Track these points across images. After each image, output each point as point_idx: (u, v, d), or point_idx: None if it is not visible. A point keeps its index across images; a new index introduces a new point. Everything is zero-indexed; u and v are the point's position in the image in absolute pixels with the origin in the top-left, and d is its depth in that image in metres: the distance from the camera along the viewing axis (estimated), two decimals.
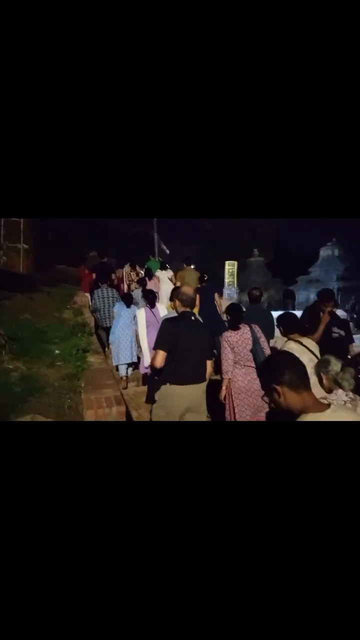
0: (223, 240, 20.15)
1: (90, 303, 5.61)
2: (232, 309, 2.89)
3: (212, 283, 5.39)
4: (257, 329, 2.80)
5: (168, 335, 2.14)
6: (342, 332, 4.47)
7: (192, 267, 6.03)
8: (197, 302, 3.96)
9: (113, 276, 6.17)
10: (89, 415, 2.72)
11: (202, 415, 2.24)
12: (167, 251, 16.20)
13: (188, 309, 2.30)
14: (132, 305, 4.60)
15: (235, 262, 13.20)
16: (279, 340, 3.36)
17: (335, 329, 4.60)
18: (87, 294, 6.53)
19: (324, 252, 15.59)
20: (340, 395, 1.68)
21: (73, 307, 6.28)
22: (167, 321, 2.27)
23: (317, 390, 1.68)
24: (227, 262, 13.07)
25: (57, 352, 4.16)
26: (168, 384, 2.15)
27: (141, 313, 4.00)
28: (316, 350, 2.38)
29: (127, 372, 4.58)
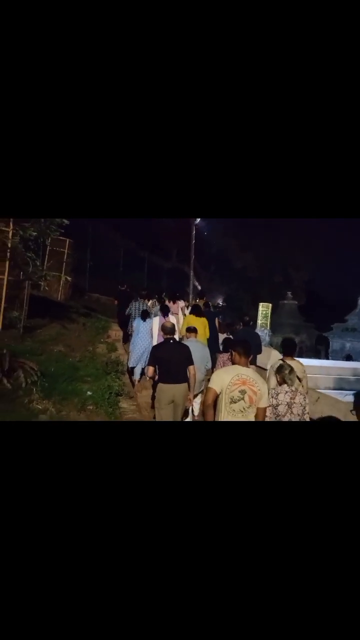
0: (255, 280, 20.04)
1: (126, 310, 6.32)
2: (225, 341, 4.32)
3: (214, 310, 6.70)
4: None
5: (153, 356, 3.33)
6: None
7: (204, 300, 7.01)
8: (207, 330, 5.14)
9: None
10: None
11: (182, 406, 3.36)
12: (199, 287, 16.23)
13: (169, 336, 3.42)
14: (148, 319, 5.38)
15: (270, 305, 12.89)
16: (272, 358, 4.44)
17: None
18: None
19: None
20: (283, 387, 2.65)
21: (107, 342, 6.13)
22: (153, 347, 3.55)
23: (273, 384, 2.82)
24: (261, 304, 12.80)
25: (89, 393, 3.91)
26: (159, 383, 3.31)
27: (156, 320, 5.09)
28: (299, 370, 3.04)
29: (139, 377, 5.26)
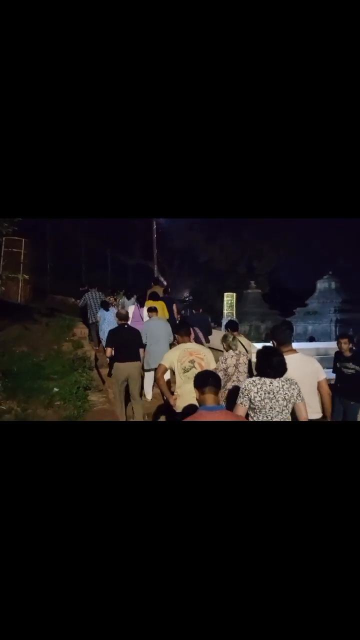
0: (220, 272, 20.39)
1: (80, 302, 6.92)
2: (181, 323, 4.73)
3: (170, 297, 7.32)
4: (198, 330, 5.19)
5: (109, 339, 4.03)
6: (358, 368, 4.26)
7: (162, 287, 7.65)
8: (165, 312, 5.90)
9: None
10: None
11: (137, 381, 4.06)
12: (165, 282, 16.24)
13: (123, 322, 4.16)
14: (110, 308, 6.18)
15: (234, 294, 13.17)
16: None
17: (350, 365, 4.38)
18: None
19: (320, 284, 15.75)
20: (230, 352, 3.35)
21: (72, 339, 6.01)
22: (110, 331, 4.17)
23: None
24: (225, 294, 13.04)
25: (55, 390, 3.84)
26: (115, 362, 4.01)
27: (131, 308, 5.59)
28: (244, 342, 3.86)
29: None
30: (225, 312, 13.05)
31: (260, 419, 2.13)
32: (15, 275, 7.50)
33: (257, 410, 2.13)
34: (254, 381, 2.12)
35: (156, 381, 3.05)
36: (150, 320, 4.69)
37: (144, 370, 4.38)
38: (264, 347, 2.27)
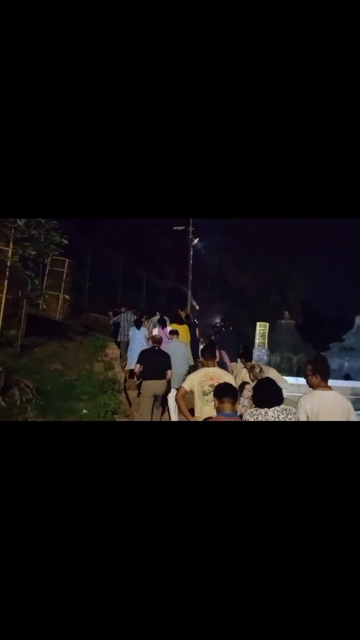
0: (253, 300, 20.19)
1: (113, 319, 7.32)
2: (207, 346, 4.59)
3: (193, 321, 7.46)
4: (224, 354, 5.01)
5: (141, 357, 4.33)
6: None
7: (185, 312, 7.92)
8: (188, 335, 6.10)
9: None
10: None
11: (161, 397, 4.37)
12: (197, 307, 16.31)
13: (156, 345, 4.48)
14: (142, 328, 6.27)
15: (267, 324, 12.93)
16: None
17: None
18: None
19: (359, 319, 15.06)
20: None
21: (104, 360, 6.10)
22: (142, 351, 4.52)
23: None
24: (258, 323, 12.85)
25: (84, 411, 3.86)
26: (144, 381, 4.28)
27: (155, 330, 5.94)
28: (273, 374, 3.61)
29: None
30: (257, 341, 12.78)
31: None
32: (56, 293, 7.87)
33: None
34: (251, 412, 2.20)
35: (176, 402, 3.19)
36: (170, 343, 4.94)
37: (169, 387, 4.57)
38: (261, 380, 2.46)
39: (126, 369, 5.99)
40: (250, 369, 3.37)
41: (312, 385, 2.52)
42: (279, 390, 2.21)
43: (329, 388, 2.51)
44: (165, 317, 6.79)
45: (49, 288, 7.52)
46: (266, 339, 12.72)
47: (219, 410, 2.11)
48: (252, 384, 2.97)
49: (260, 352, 12.49)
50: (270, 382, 2.29)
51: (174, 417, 4.74)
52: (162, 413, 4.58)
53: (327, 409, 2.36)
